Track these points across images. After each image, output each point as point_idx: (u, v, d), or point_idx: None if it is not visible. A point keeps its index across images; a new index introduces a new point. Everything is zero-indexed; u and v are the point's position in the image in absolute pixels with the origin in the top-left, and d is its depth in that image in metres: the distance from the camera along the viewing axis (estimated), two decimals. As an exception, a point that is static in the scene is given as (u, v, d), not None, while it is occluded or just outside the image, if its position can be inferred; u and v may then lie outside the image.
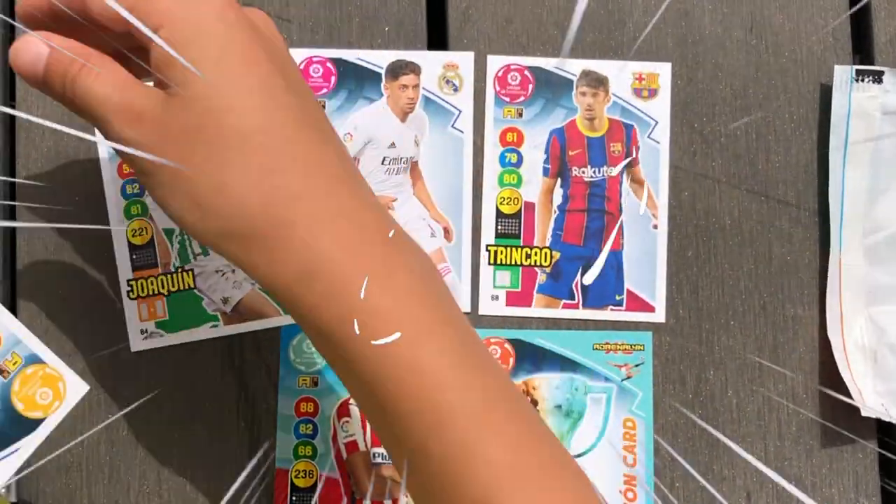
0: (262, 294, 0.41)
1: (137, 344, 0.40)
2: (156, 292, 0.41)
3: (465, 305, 0.41)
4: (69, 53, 0.29)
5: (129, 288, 0.41)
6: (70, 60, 0.28)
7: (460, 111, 0.42)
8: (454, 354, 0.28)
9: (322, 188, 0.28)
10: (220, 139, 0.27)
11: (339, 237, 0.28)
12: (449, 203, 0.41)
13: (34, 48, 0.29)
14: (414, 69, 0.41)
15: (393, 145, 0.41)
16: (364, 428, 0.41)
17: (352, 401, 0.41)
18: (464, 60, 0.42)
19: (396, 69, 0.42)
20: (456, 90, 0.42)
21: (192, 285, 0.41)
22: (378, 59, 0.41)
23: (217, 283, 0.41)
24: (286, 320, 0.41)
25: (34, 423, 0.40)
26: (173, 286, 0.41)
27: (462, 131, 0.41)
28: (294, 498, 0.41)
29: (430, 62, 0.42)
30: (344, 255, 0.28)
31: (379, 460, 0.41)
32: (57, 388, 0.40)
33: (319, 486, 0.41)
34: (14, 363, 0.40)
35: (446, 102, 0.42)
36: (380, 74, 0.41)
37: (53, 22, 0.30)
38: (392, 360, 0.28)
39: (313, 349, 0.41)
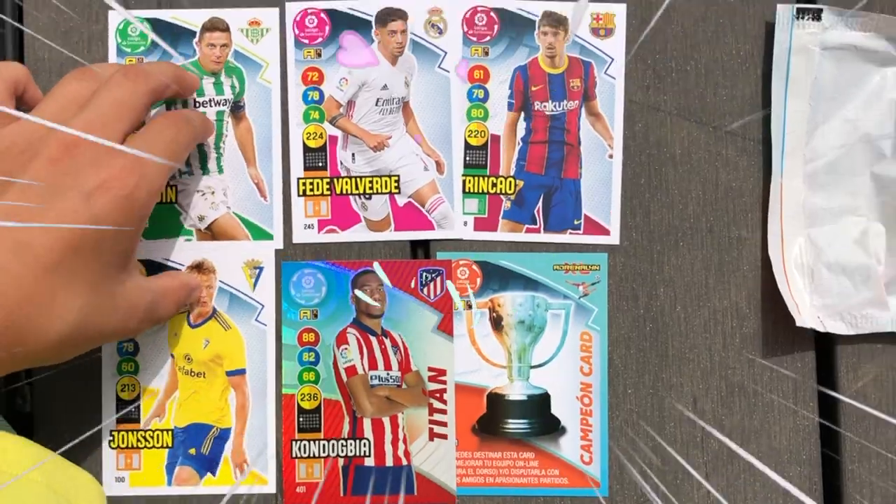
0: (234, 218, 0.45)
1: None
2: None
3: (461, 231, 0.45)
4: None
5: None
6: None
7: (445, 52, 0.45)
8: None
9: None
10: None
11: None
12: (439, 138, 0.45)
13: None
14: (401, 15, 0.45)
15: (385, 87, 0.45)
16: (361, 354, 0.45)
17: (349, 329, 0.45)
18: (447, 5, 0.45)
19: (385, 16, 0.45)
20: (441, 33, 0.45)
21: (174, 199, 0.45)
22: (367, 6, 0.45)
23: (196, 202, 0.45)
24: (257, 245, 0.44)
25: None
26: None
27: (448, 71, 0.45)
28: (301, 419, 0.44)
29: (416, 8, 0.45)
30: None
31: (375, 382, 0.45)
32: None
33: (323, 407, 0.45)
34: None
35: (432, 45, 0.45)
36: (370, 22, 0.45)
37: None
38: None
39: (311, 285, 0.44)
